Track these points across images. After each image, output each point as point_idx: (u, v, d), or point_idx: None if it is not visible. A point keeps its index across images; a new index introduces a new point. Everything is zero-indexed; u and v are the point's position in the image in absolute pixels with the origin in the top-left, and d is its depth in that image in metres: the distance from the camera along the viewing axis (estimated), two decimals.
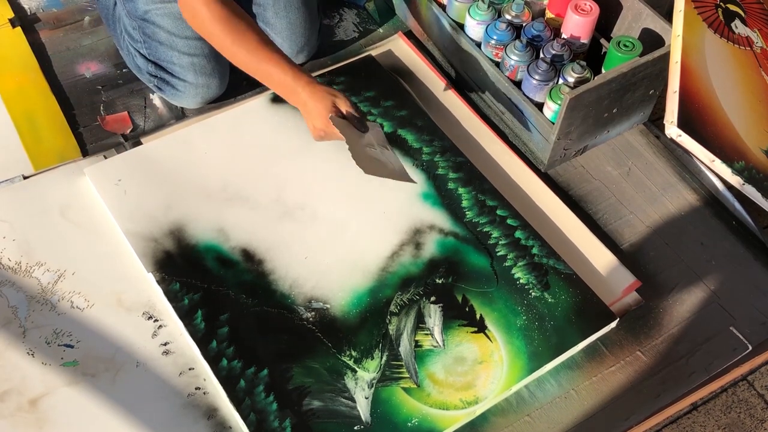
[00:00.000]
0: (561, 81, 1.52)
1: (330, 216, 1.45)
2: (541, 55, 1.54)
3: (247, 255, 1.39)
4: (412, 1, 1.74)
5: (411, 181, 1.44)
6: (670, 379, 1.33)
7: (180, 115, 1.64)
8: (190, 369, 1.29)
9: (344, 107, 1.36)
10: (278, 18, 1.62)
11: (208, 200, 1.46)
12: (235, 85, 1.68)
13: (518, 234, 1.43)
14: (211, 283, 1.35)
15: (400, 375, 1.28)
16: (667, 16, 1.52)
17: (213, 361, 1.27)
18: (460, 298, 1.35)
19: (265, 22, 1.63)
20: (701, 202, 1.54)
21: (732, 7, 1.58)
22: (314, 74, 1.67)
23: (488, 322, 1.33)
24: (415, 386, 1.26)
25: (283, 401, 1.24)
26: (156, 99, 1.66)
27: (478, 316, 1.34)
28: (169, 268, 1.37)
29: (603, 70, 1.55)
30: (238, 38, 1.35)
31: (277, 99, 1.62)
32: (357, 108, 1.39)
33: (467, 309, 1.34)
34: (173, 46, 1.55)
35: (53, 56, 1.73)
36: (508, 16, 1.60)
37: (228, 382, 1.25)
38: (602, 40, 1.61)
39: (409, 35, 1.79)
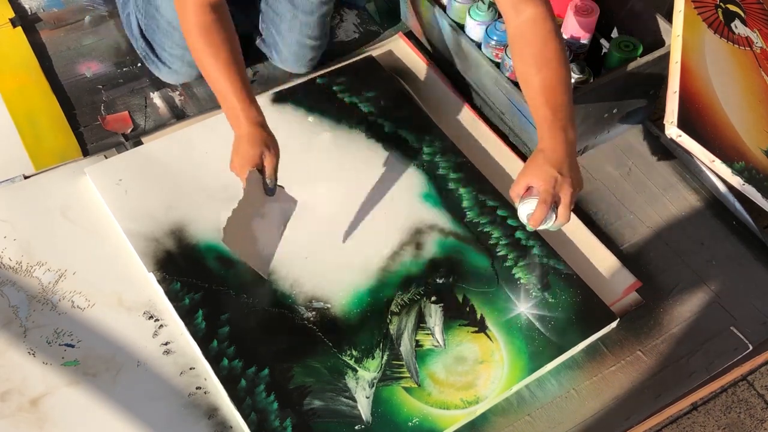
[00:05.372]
0: None
1: (331, 215, 1.45)
2: None
3: None
4: (413, 2, 1.74)
5: (263, 274, 1.33)
6: (670, 378, 1.33)
7: (181, 114, 1.64)
8: (190, 368, 1.29)
9: (268, 166, 1.28)
10: (291, 33, 1.63)
11: (209, 200, 1.46)
12: None
13: (519, 234, 1.43)
14: (212, 282, 1.35)
15: (401, 374, 1.28)
16: (667, 16, 1.53)
17: (214, 360, 1.27)
18: (460, 298, 1.36)
19: (278, 33, 1.64)
20: (702, 203, 1.54)
21: (732, 8, 1.58)
22: (314, 75, 1.67)
23: (489, 322, 1.33)
24: (415, 386, 1.26)
25: (283, 401, 1.24)
26: (156, 98, 1.66)
27: (478, 316, 1.34)
28: (170, 268, 1.37)
29: (603, 71, 1.56)
30: (212, 50, 1.30)
31: (277, 99, 1.62)
32: (275, 173, 1.30)
33: (468, 309, 1.35)
34: (169, 35, 1.58)
35: (54, 56, 1.73)
36: None
37: (229, 381, 1.25)
38: (602, 41, 1.62)
39: (410, 36, 1.79)
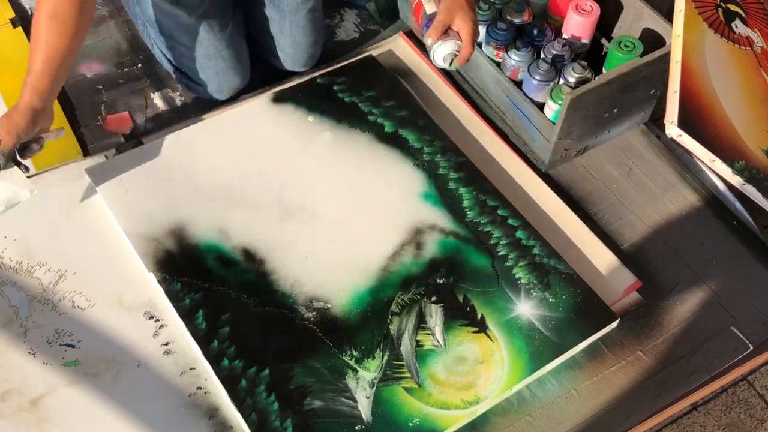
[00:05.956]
0: (562, 81, 1.52)
1: (331, 216, 1.45)
2: (542, 56, 1.54)
3: (248, 255, 1.39)
4: (413, 1, 1.74)
5: None
6: (670, 378, 1.33)
7: (181, 114, 1.64)
8: (191, 369, 1.29)
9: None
10: (283, 36, 1.63)
11: (209, 200, 1.46)
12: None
13: (519, 234, 1.43)
14: (212, 282, 1.35)
15: (402, 375, 1.28)
16: (668, 16, 1.53)
17: (214, 360, 1.27)
18: (461, 298, 1.36)
19: (270, 36, 1.64)
20: (702, 202, 1.54)
21: (732, 7, 1.58)
22: (315, 74, 1.67)
23: (489, 322, 1.33)
24: (416, 386, 1.26)
25: (284, 401, 1.24)
26: (157, 98, 1.66)
27: (479, 316, 1.34)
28: (170, 268, 1.37)
29: (604, 70, 1.56)
30: (50, 23, 1.28)
31: (277, 99, 1.62)
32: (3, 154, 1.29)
33: (468, 309, 1.35)
34: (194, 58, 1.57)
35: None
36: (508, 17, 1.60)
37: (229, 381, 1.25)
38: (603, 40, 1.62)
39: (410, 35, 1.79)
